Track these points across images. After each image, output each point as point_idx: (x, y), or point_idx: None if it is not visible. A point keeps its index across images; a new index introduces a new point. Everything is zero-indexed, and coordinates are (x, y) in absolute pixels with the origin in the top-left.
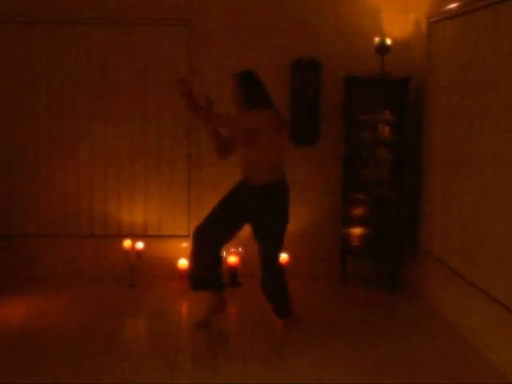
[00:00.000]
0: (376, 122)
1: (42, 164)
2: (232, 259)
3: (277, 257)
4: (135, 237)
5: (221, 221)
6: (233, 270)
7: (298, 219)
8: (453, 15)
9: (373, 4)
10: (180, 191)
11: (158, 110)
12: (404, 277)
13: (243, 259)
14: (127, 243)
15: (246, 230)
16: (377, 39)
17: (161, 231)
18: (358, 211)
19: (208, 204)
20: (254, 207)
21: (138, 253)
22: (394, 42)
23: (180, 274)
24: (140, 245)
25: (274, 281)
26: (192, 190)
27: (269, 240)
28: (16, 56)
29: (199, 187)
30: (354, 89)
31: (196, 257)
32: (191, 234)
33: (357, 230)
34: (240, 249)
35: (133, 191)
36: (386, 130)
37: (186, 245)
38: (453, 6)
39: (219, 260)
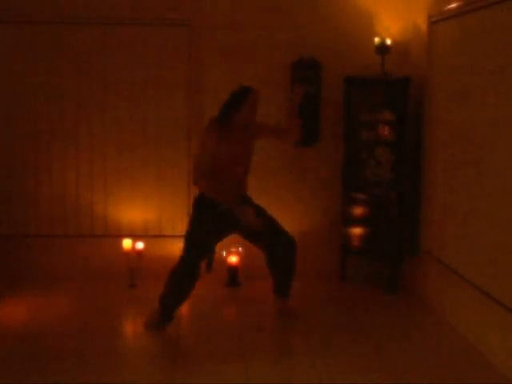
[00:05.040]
0: (376, 121)
1: (41, 164)
2: (232, 259)
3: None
4: (135, 237)
5: None
6: (233, 270)
7: (297, 219)
8: (453, 15)
9: (373, 4)
10: (180, 191)
11: (158, 109)
12: (404, 277)
13: (243, 259)
14: (127, 243)
15: None
16: (377, 39)
17: (161, 231)
18: (358, 211)
19: None
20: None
21: (138, 253)
22: (394, 41)
23: None
24: (140, 245)
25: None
26: (192, 190)
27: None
28: (16, 56)
29: None
30: (354, 89)
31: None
32: None
33: (357, 230)
34: (240, 249)
35: (133, 191)
36: (386, 129)
37: None
38: (453, 5)
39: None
